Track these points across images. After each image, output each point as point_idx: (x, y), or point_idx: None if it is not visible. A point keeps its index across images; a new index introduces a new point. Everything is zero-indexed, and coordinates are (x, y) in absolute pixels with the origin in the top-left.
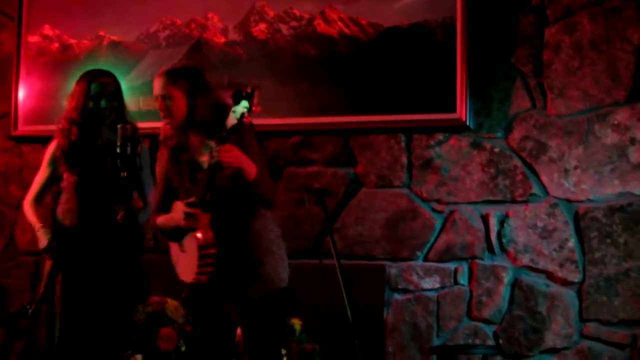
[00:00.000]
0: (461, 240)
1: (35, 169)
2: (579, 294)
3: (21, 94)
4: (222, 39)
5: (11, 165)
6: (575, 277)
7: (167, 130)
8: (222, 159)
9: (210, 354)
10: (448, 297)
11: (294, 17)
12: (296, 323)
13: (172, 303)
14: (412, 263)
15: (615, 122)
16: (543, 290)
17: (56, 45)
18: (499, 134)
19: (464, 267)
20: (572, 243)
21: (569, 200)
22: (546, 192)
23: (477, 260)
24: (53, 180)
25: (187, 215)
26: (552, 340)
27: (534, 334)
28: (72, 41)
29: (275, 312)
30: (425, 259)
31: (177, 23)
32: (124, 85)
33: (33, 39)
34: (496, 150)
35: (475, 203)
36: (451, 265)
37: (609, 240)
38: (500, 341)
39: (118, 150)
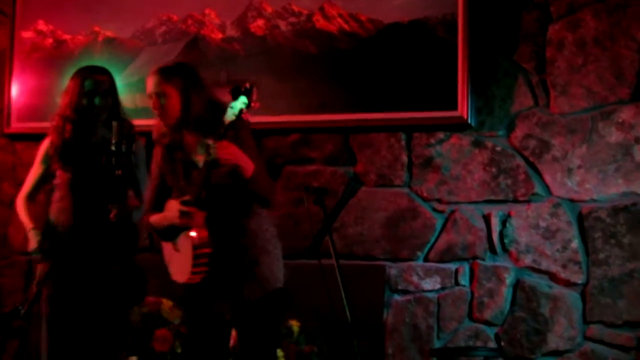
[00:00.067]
0: (462, 240)
1: (29, 166)
2: (583, 295)
3: (14, 90)
4: (220, 35)
5: (4, 163)
6: (579, 278)
7: (161, 128)
8: (220, 155)
9: (204, 354)
10: (449, 298)
11: (292, 13)
12: (294, 324)
13: (167, 304)
14: (413, 263)
15: (620, 120)
16: (546, 291)
17: (50, 41)
18: (500, 133)
19: (465, 268)
20: (575, 243)
21: (572, 200)
22: (549, 191)
23: (479, 261)
24: (46, 178)
25: (182, 214)
26: (554, 343)
27: (537, 336)
28: (67, 37)
29: (271, 313)
30: (426, 259)
31: (173, 19)
32: (119, 82)
33: (27, 34)
34: (498, 149)
35: (476, 202)
36: (452, 266)
37: (613, 241)
38: (502, 343)
39: (113, 148)
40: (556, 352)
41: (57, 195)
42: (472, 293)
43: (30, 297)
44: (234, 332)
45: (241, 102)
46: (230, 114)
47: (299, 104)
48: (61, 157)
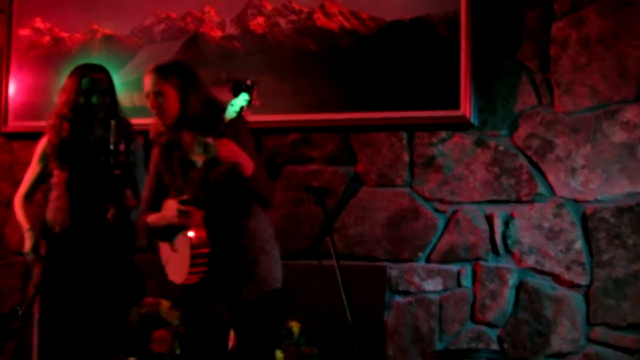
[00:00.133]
0: (464, 241)
1: (26, 165)
2: (586, 297)
3: (11, 88)
4: (219, 33)
5: (1, 162)
6: (583, 280)
7: (159, 127)
8: (220, 153)
9: (203, 355)
10: (451, 300)
11: (292, 11)
12: (294, 325)
13: (166, 304)
14: (414, 264)
15: (624, 119)
16: (549, 293)
17: (48, 38)
18: (503, 132)
19: (467, 269)
20: (579, 244)
21: (576, 201)
22: (552, 191)
23: (481, 262)
24: (44, 177)
25: (180, 213)
26: (558, 345)
27: (540, 338)
28: (64, 35)
29: (270, 313)
30: (428, 260)
31: (172, 17)
32: (118, 80)
33: (24, 32)
34: (501, 148)
35: (479, 203)
36: (454, 267)
37: (617, 242)
38: (505, 345)
39: (111, 147)
40: (559, 355)
41: (54, 194)
42: (475, 294)
43: (27, 298)
44: (232, 334)
45: (242, 99)
46: (231, 112)
47: (299, 103)
48: (58, 156)
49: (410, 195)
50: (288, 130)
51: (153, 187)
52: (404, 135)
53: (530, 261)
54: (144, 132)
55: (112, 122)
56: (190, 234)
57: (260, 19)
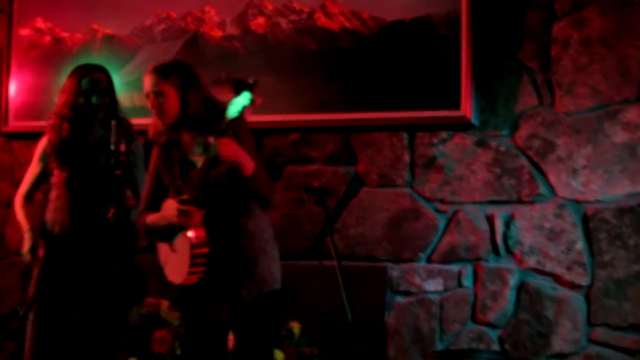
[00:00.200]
0: (465, 241)
1: (26, 165)
2: (587, 297)
3: (12, 88)
4: (219, 33)
5: (1, 162)
6: (584, 280)
7: (158, 127)
8: (221, 152)
9: (202, 355)
10: (452, 300)
11: (293, 11)
12: (295, 326)
13: (166, 305)
14: (415, 264)
15: (626, 120)
16: (550, 293)
17: (48, 38)
18: (504, 132)
19: (468, 269)
20: (580, 245)
21: (577, 201)
22: (553, 192)
23: (482, 262)
24: (44, 177)
25: (180, 212)
26: (559, 346)
27: (541, 339)
28: (65, 34)
29: (269, 314)
30: (428, 261)
31: (172, 16)
32: (118, 80)
33: (24, 32)
34: (502, 148)
35: (480, 203)
36: (455, 267)
37: (618, 242)
38: (506, 346)
39: (112, 147)
40: (560, 355)
41: (54, 194)
42: (475, 295)
43: (28, 298)
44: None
45: (244, 98)
46: (233, 110)
47: (300, 103)
48: (58, 156)
49: (411, 195)
50: (289, 131)
51: (152, 187)
52: (405, 135)
53: (531, 262)
54: (144, 132)
55: (113, 122)
56: (190, 233)
57: (260, 19)
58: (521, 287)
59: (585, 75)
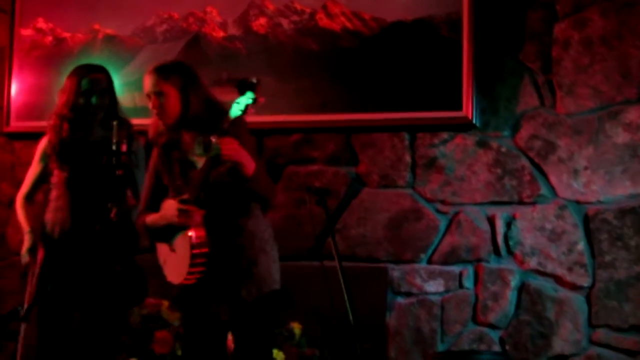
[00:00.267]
0: (466, 242)
1: (27, 165)
2: (588, 298)
3: (14, 88)
4: (221, 34)
5: (3, 162)
6: (585, 282)
7: (158, 127)
8: (224, 152)
9: (202, 355)
10: (453, 301)
11: (295, 11)
12: (296, 327)
13: (167, 305)
14: (416, 265)
15: (627, 120)
16: (551, 294)
17: (50, 38)
18: (506, 133)
19: (469, 270)
20: (581, 246)
21: (578, 202)
22: (555, 193)
23: (483, 263)
24: (44, 176)
25: (181, 212)
26: (560, 347)
27: (542, 340)
28: (66, 35)
29: (268, 314)
30: (429, 262)
31: (174, 17)
32: (119, 80)
33: (26, 32)
34: (503, 149)
35: (481, 204)
36: (456, 268)
37: (619, 243)
38: (507, 347)
39: (113, 147)
40: (561, 356)
41: (54, 193)
42: (477, 296)
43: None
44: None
45: (248, 97)
46: (236, 110)
47: (301, 103)
48: (58, 156)
49: (412, 196)
50: (290, 131)
51: (151, 187)
52: (406, 136)
53: (532, 263)
54: (145, 133)
55: (114, 123)
56: (190, 233)
57: (262, 20)
58: (522, 288)
59: (586, 76)
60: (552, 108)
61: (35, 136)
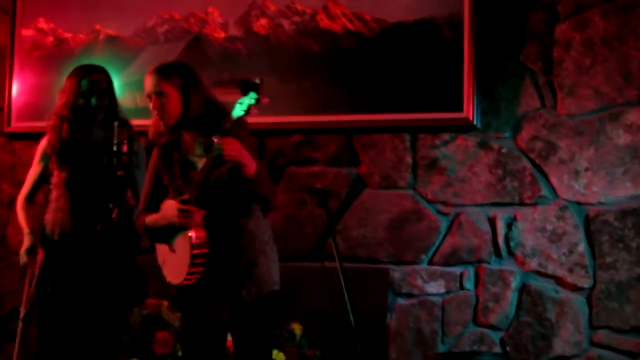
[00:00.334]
0: (467, 243)
1: (28, 166)
2: (589, 300)
3: (14, 89)
4: (222, 34)
5: (3, 162)
6: (586, 283)
7: (158, 128)
8: (226, 152)
9: (201, 356)
10: (453, 302)
11: (296, 12)
12: (297, 327)
13: (168, 305)
14: (417, 266)
15: (628, 122)
16: (552, 295)
17: (51, 39)
18: (507, 134)
19: (470, 272)
20: (582, 247)
21: (579, 203)
22: (556, 194)
23: (484, 265)
24: (45, 177)
25: (181, 212)
26: (561, 348)
27: (542, 341)
28: (67, 35)
29: (268, 315)
30: (430, 263)
31: (175, 17)
32: (121, 81)
33: (27, 32)
34: (504, 150)
35: (482, 205)
36: (457, 269)
37: (620, 245)
38: (507, 348)
39: (114, 148)
40: (562, 358)
41: (54, 194)
42: (477, 297)
43: (29, 299)
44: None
45: (250, 97)
46: (239, 110)
47: (302, 104)
48: (58, 157)
49: (413, 197)
50: (291, 132)
51: (151, 187)
52: (407, 137)
53: (533, 264)
54: (146, 133)
55: (115, 124)
56: (191, 234)
57: (263, 20)
58: (523, 289)
59: (588, 77)
60: (553, 109)
61: (36, 136)
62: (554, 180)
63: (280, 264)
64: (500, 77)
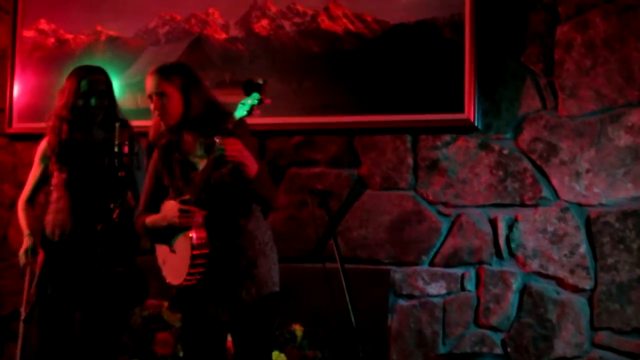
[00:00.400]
0: (468, 244)
1: (29, 167)
2: (590, 301)
3: (16, 90)
4: (223, 35)
5: (5, 163)
6: (587, 284)
7: (159, 128)
8: (228, 152)
9: (201, 356)
10: (454, 303)
11: (297, 13)
12: (298, 328)
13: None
14: (418, 268)
15: (629, 123)
16: (553, 297)
17: (52, 40)
18: (508, 135)
19: (471, 273)
20: (583, 248)
21: (580, 204)
22: (557, 195)
23: (485, 266)
24: (45, 178)
25: (182, 213)
26: (562, 349)
27: (544, 342)
28: (69, 36)
29: (267, 316)
30: (431, 264)
31: (176, 18)
32: (122, 82)
33: (28, 33)
34: (505, 151)
35: (483, 206)
36: (458, 271)
37: (621, 246)
38: (508, 349)
39: (116, 149)
40: (563, 359)
41: (54, 195)
42: (478, 298)
43: (30, 300)
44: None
45: (253, 98)
46: (242, 110)
47: (303, 105)
48: (58, 158)
49: (414, 198)
50: (292, 133)
51: (151, 188)
52: (408, 138)
53: (534, 265)
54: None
55: (117, 125)
56: (191, 234)
57: (264, 22)
58: (524, 291)
59: (589, 79)
60: (554, 110)
61: (37, 137)
62: (555, 182)
63: (281, 265)
64: (502, 78)
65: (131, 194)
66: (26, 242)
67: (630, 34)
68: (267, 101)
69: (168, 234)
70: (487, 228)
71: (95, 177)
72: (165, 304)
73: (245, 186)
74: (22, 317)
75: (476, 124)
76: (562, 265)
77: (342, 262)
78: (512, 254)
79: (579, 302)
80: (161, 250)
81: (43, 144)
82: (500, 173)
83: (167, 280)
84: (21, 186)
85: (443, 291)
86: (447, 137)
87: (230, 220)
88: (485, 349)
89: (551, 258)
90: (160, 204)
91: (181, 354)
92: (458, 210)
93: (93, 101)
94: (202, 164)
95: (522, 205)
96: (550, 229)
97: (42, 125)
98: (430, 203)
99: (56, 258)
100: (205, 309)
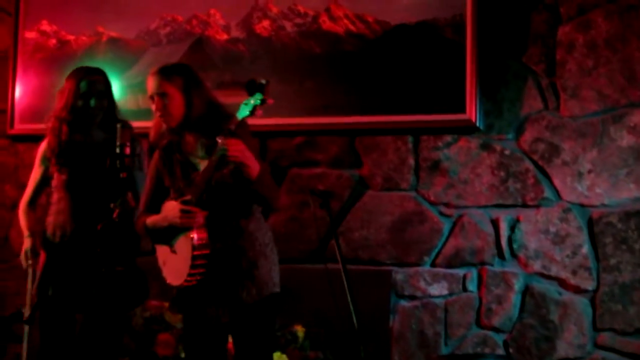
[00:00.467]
0: (470, 245)
1: (31, 168)
2: (593, 302)
3: (17, 91)
4: (224, 36)
5: (6, 164)
6: (589, 285)
7: (160, 129)
8: (230, 153)
9: (202, 357)
10: (456, 304)
11: (298, 14)
12: (299, 329)
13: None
14: (419, 268)
15: (631, 123)
16: (555, 297)
17: (53, 41)
18: (509, 136)
19: (473, 273)
20: (585, 249)
21: (582, 205)
22: (559, 196)
23: (487, 266)
24: (46, 180)
25: (183, 213)
26: (564, 350)
27: (546, 343)
28: (70, 37)
29: (268, 317)
30: (433, 265)
31: (178, 19)
32: (123, 83)
33: (30, 34)
34: (507, 152)
35: (484, 207)
36: (460, 271)
37: (624, 247)
38: (510, 350)
39: (117, 150)
40: None
41: (55, 196)
42: (480, 299)
43: (32, 300)
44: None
45: (256, 98)
46: (245, 110)
47: (305, 106)
48: (58, 159)
49: (415, 199)
50: (293, 134)
51: (152, 189)
52: (410, 138)
53: (536, 266)
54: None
55: (118, 126)
56: (192, 235)
57: (265, 22)
58: (526, 291)
59: (591, 79)
60: (556, 111)
61: (39, 139)
62: (557, 182)
63: (283, 266)
64: (503, 79)
65: (132, 194)
66: (26, 243)
67: (632, 34)
68: (270, 101)
69: (169, 234)
70: (489, 229)
71: (95, 178)
72: (167, 305)
73: (247, 187)
74: (25, 318)
75: (478, 124)
76: (564, 266)
77: (343, 263)
78: (514, 254)
79: (582, 303)
80: (162, 251)
81: (43, 146)
82: (502, 173)
83: (168, 281)
84: (23, 187)
85: (445, 292)
86: (449, 138)
87: (231, 221)
88: (487, 350)
89: (553, 259)
90: (161, 204)
91: (183, 355)
92: (460, 210)
93: (92, 102)
94: (203, 165)
95: (524, 205)
96: (552, 229)
97: (44, 126)
98: (432, 204)
99: (57, 259)
100: (205, 310)
